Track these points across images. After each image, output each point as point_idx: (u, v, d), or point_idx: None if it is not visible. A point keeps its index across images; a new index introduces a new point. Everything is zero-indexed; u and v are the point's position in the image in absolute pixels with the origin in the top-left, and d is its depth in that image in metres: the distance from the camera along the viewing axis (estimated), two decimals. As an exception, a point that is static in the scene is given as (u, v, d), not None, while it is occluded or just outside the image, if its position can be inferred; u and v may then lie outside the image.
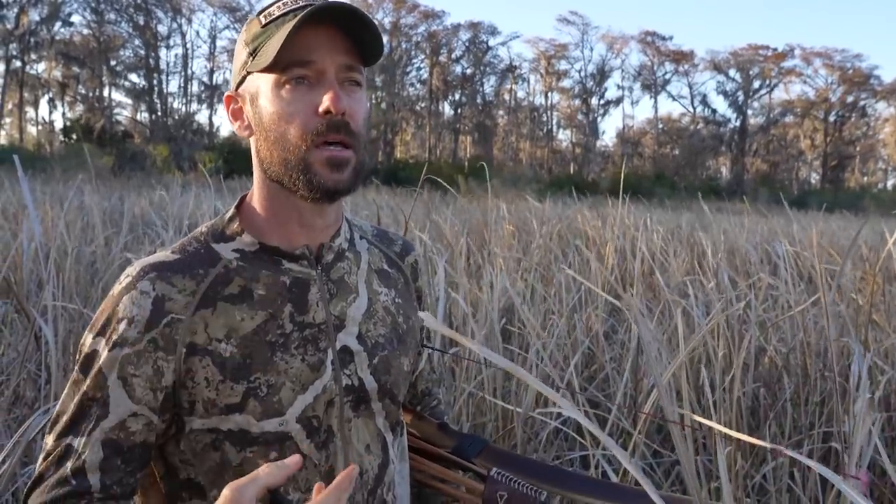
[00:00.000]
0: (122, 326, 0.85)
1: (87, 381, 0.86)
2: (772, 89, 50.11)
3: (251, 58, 0.90)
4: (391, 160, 44.37)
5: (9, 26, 38.61)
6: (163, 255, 0.91)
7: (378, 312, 0.99)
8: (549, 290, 3.38)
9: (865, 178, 49.47)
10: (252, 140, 0.94)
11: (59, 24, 40.35)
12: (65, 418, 0.86)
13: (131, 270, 0.89)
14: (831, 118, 48.96)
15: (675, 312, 2.23)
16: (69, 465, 0.84)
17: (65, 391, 0.89)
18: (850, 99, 48.16)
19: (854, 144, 49.13)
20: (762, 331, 2.88)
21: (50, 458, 0.85)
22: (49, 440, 0.87)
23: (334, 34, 0.87)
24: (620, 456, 0.47)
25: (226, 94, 0.97)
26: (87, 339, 0.88)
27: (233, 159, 24.66)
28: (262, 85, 0.89)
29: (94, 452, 0.84)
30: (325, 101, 0.86)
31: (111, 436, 0.85)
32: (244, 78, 0.92)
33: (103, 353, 0.86)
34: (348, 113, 0.88)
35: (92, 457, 0.84)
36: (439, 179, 3.57)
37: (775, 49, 49.31)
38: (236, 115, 0.95)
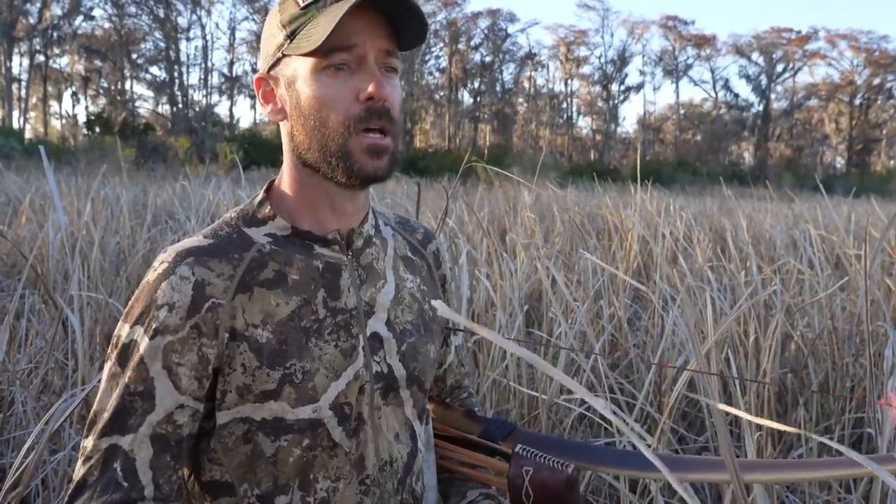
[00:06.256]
0: (163, 313, 0.83)
1: (128, 374, 0.83)
2: (796, 73, 49.33)
3: (289, 40, 0.87)
4: (410, 149, 44.34)
5: (32, 21, 39.03)
6: (196, 239, 0.89)
7: (405, 299, 0.99)
8: (571, 277, 3.36)
9: (892, 162, 48.59)
10: (284, 124, 0.92)
11: (80, 18, 40.74)
12: (105, 416, 0.82)
13: (166, 257, 0.86)
14: (857, 101, 48.09)
15: (702, 297, 2.20)
16: (117, 465, 0.81)
17: (101, 387, 0.85)
18: (876, 81, 47.25)
19: (880, 128, 48.22)
20: (789, 316, 2.84)
21: (92, 460, 0.82)
22: (88, 442, 0.83)
23: (376, 19, 0.86)
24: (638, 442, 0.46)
25: (256, 75, 0.94)
26: (124, 330, 0.85)
27: (252, 150, 24.79)
28: (301, 69, 0.87)
29: (144, 450, 0.82)
30: (370, 88, 0.84)
31: (159, 430, 0.82)
32: (279, 60, 0.90)
33: (143, 343, 0.83)
34: (389, 100, 0.86)
35: (141, 454, 0.81)
36: (507, 168, 3.52)
37: (799, 32, 48.48)
38: (267, 97, 0.92)
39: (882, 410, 1.65)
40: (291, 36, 0.87)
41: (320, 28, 0.83)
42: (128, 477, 0.81)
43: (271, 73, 0.92)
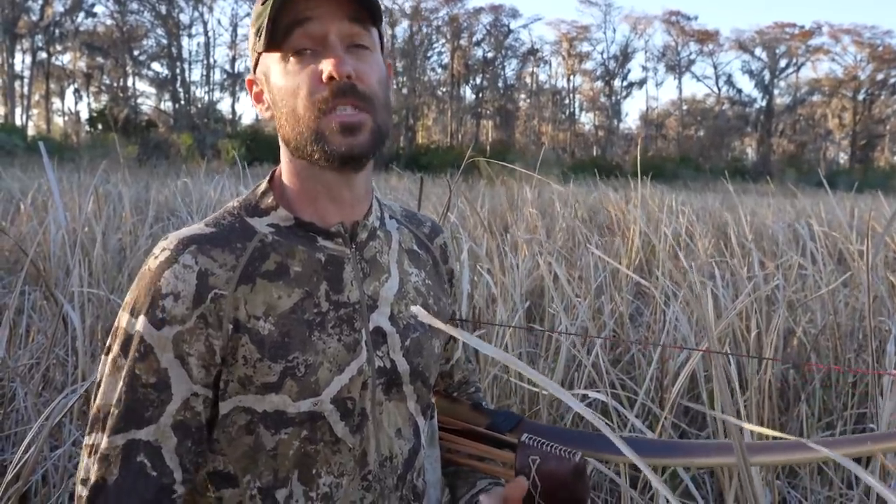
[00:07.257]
0: (169, 303, 0.81)
1: (137, 365, 0.81)
2: (799, 68, 49.19)
3: (257, 38, 0.87)
4: (412, 145, 44.30)
5: (34, 18, 39.05)
6: (197, 227, 0.87)
7: (409, 293, 0.97)
8: (573, 273, 3.36)
9: (895, 158, 48.44)
10: (275, 120, 0.92)
11: (82, 14, 40.77)
12: (116, 411, 0.80)
13: (167, 244, 0.84)
14: (860, 96, 47.93)
15: (704, 293, 2.19)
16: (142, 458, 0.80)
17: (104, 380, 0.82)
18: (880, 76, 47.08)
19: (884, 123, 48.03)
20: (791, 312, 2.84)
21: (109, 458, 0.79)
22: (100, 440, 0.80)
23: None
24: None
25: (247, 78, 0.95)
26: (125, 319, 0.83)
27: (255, 147, 24.80)
28: (272, 64, 0.88)
29: (168, 439, 0.81)
30: (327, 67, 0.82)
31: (179, 418, 0.81)
32: (257, 60, 0.91)
33: (150, 333, 0.81)
34: (356, 75, 0.84)
35: (168, 444, 0.81)
36: (525, 165, 3.51)
37: (802, 27, 48.33)
38: (258, 98, 0.93)
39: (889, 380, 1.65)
40: (258, 33, 0.87)
41: (267, 18, 0.83)
42: (157, 466, 0.80)
43: (256, 73, 0.93)
